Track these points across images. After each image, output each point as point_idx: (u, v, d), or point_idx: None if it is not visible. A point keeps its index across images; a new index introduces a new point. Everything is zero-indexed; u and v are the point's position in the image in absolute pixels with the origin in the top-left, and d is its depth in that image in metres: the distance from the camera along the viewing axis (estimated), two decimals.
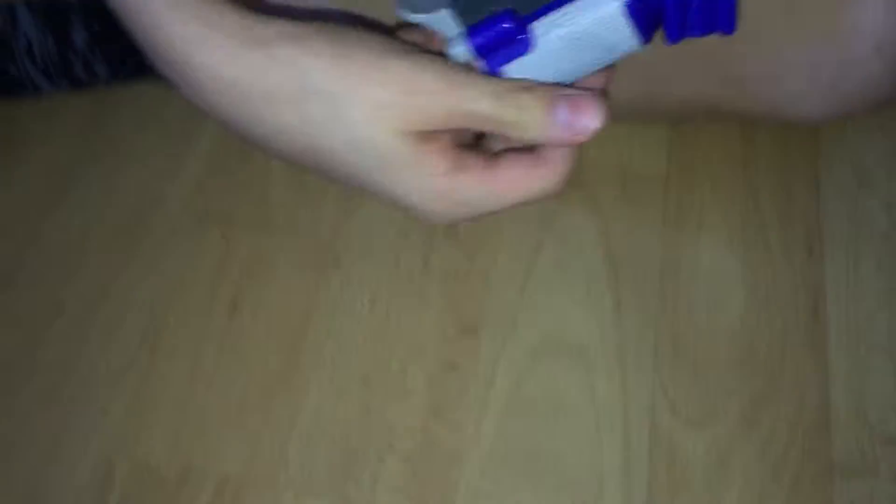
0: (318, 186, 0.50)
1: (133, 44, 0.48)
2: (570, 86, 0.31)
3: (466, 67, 0.29)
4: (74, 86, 0.50)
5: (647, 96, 0.47)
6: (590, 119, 0.29)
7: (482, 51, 0.29)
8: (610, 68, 0.31)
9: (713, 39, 0.43)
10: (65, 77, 0.49)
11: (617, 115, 0.51)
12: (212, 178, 0.50)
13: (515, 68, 0.29)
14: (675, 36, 0.31)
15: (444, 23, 0.30)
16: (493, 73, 0.30)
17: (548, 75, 0.30)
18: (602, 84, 0.32)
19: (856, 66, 0.42)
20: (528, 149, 0.31)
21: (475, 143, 0.32)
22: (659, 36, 0.33)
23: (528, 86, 0.29)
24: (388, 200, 0.31)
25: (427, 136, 0.29)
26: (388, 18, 0.34)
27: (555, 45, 0.29)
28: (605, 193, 0.50)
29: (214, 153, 0.51)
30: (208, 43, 0.28)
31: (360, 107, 0.28)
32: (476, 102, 0.28)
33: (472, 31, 0.29)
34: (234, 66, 0.28)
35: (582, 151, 0.51)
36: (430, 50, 0.31)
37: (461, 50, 0.30)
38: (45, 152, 0.51)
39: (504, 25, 0.29)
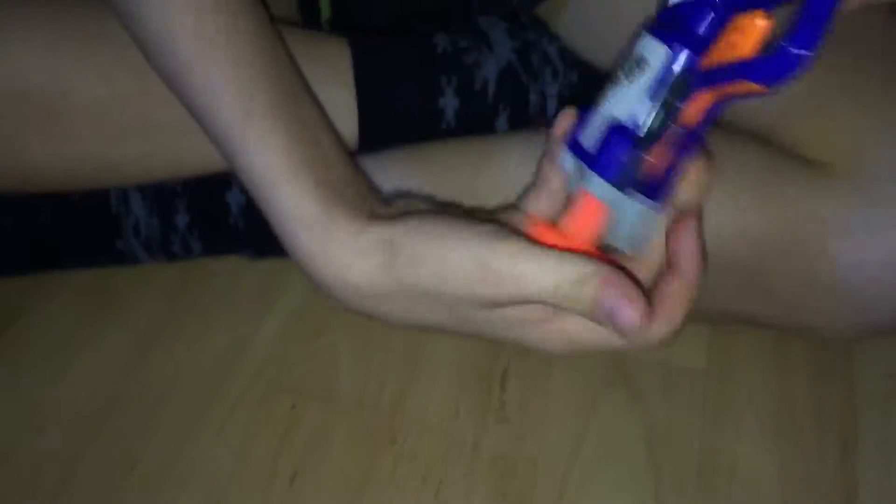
0: (383, 362, 0.54)
1: (226, 228, 0.54)
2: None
3: (532, 248, 0.33)
4: (169, 259, 0.56)
5: None
6: (627, 319, 0.32)
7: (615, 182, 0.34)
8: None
9: (752, 260, 0.47)
10: (162, 252, 0.55)
11: None
12: (285, 347, 0.55)
13: None
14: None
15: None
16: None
17: None
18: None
19: (887, 293, 0.45)
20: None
21: None
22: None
23: (583, 277, 0.32)
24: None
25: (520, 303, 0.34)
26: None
27: None
28: (647, 385, 0.53)
29: (289, 324, 0.56)
30: (329, 257, 0.35)
31: (449, 297, 0.34)
32: (537, 293, 0.33)
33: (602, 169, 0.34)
34: (349, 274, 0.35)
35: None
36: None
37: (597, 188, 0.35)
38: (134, 316, 0.56)
39: (622, 153, 0.34)
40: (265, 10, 0.40)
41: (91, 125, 0.48)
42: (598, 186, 0.34)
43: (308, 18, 0.58)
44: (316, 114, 0.38)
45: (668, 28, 0.34)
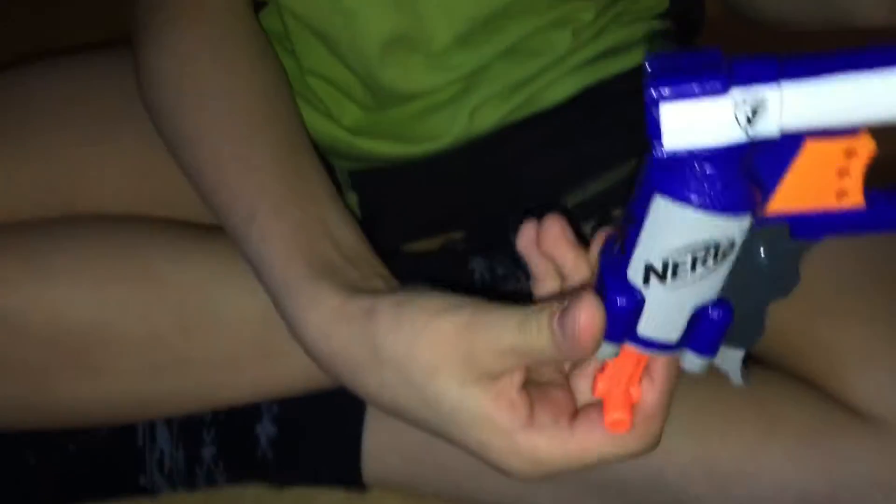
0: None
1: (253, 460, 0.52)
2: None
3: (503, 306, 0.31)
4: (191, 489, 0.54)
5: None
6: (585, 317, 0.29)
7: None
8: None
9: None
10: (185, 484, 0.53)
11: None
12: None
13: None
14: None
15: None
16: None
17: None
18: None
19: None
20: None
21: (563, 388, 0.34)
22: None
23: (545, 306, 0.30)
24: (472, 455, 0.32)
25: (492, 387, 0.31)
26: None
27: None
28: None
29: None
30: (311, 326, 0.35)
31: (420, 370, 0.32)
32: (503, 337, 0.30)
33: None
34: (330, 342, 0.35)
35: None
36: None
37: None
38: None
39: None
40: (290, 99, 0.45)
41: (126, 363, 0.47)
42: (691, 362, 0.32)
43: None
44: (328, 202, 0.41)
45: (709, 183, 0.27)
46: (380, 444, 0.52)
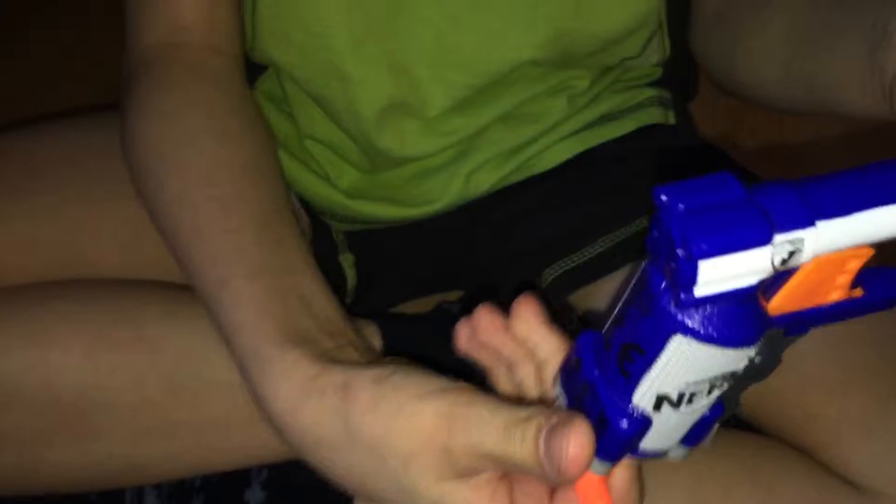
0: None
1: None
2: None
3: (487, 402, 0.29)
4: None
5: None
6: (574, 447, 0.27)
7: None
8: None
9: None
10: None
11: None
12: None
13: None
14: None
15: None
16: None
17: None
18: None
19: None
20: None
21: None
22: None
23: (531, 414, 0.28)
24: None
25: (471, 480, 0.30)
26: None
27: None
28: None
29: None
30: (281, 398, 0.33)
31: (396, 456, 0.30)
32: (484, 442, 0.28)
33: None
34: (299, 417, 0.33)
35: None
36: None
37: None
38: None
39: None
40: (275, 173, 0.45)
41: (117, 427, 0.46)
42: (678, 452, 0.32)
43: (334, 286, 0.59)
44: (305, 270, 0.40)
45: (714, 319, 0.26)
46: None
